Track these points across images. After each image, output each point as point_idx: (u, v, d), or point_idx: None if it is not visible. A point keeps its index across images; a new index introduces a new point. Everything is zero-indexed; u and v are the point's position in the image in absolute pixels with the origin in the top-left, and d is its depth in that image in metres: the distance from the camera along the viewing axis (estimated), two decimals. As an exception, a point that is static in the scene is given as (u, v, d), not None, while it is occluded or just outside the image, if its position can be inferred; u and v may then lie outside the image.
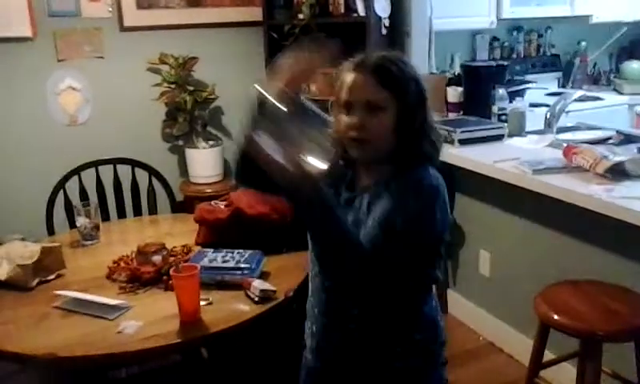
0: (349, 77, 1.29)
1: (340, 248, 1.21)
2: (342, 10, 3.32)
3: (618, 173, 2.19)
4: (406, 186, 1.27)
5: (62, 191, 2.68)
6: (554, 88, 4.30)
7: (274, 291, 1.77)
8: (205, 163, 3.55)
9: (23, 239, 2.27)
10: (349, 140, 1.29)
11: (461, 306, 3.12)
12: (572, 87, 4.28)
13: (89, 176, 2.76)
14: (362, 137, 1.27)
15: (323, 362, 1.46)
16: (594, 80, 4.52)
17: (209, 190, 3.45)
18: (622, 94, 4.21)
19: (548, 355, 2.12)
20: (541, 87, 4.04)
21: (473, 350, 2.89)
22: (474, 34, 4.12)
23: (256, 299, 1.74)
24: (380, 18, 3.22)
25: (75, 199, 2.59)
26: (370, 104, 1.26)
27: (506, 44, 4.28)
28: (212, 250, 1.99)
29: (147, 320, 1.67)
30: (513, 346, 2.80)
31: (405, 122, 1.28)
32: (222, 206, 2.19)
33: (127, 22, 3.43)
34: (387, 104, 1.26)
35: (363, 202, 1.31)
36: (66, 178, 2.72)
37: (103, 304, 1.73)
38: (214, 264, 1.88)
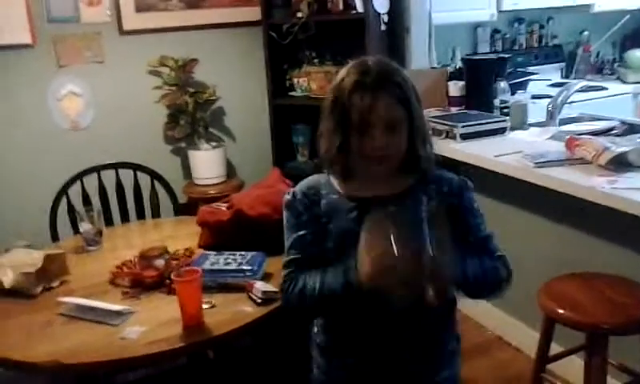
0: (360, 99, 1.26)
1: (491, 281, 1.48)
2: (341, 7, 3.31)
3: (620, 164, 2.17)
4: (452, 191, 1.37)
5: (64, 197, 2.69)
6: (557, 79, 4.28)
7: (277, 292, 1.76)
8: (208, 165, 3.55)
9: (29, 246, 2.28)
10: (370, 159, 1.29)
11: (467, 301, 3.09)
12: (575, 77, 4.24)
13: (91, 181, 2.77)
14: (384, 154, 1.28)
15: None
16: (598, 69, 4.48)
17: (212, 191, 3.44)
18: (625, 82, 4.17)
19: (556, 349, 2.11)
20: (544, 78, 4.03)
21: (480, 345, 2.88)
22: (475, 26, 4.10)
23: (259, 301, 1.75)
24: (379, 13, 3.22)
25: (78, 204, 2.59)
26: (390, 123, 1.26)
27: (508, 36, 4.26)
28: (214, 252, 1.99)
29: (150, 325, 1.67)
30: (520, 339, 2.79)
31: (415, 131, 1.30)
32: (224, 208, 2.19)
33: (126, 26, 3.42)
34: (403, 119, 1.28)
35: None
36: (69, 183, 2.72)
37: (106, 310, 1.74)
38: (216, 267, 1.88)
